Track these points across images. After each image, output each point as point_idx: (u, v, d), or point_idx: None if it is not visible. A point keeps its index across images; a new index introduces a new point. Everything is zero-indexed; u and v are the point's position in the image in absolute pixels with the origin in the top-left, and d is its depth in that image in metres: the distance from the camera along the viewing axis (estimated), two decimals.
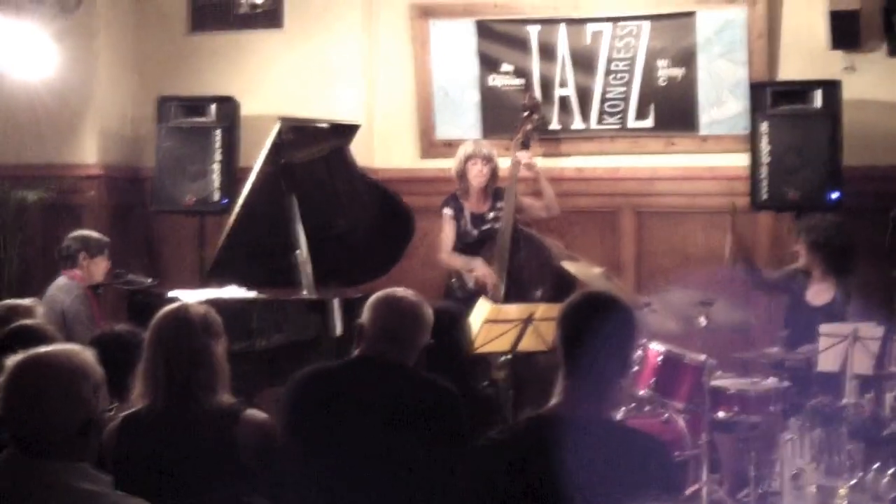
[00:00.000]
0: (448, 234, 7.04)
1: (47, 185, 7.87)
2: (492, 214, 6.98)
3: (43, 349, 2.81)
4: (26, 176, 7.96)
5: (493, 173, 6.98)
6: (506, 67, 7.85)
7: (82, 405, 2.72)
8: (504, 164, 7.06)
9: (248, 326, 6.08)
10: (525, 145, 7.12)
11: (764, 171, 6.90)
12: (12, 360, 2.75)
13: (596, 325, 2.99)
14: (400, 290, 3.91)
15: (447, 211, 7.04)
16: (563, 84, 7.75)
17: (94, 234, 6.91)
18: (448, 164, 7.18)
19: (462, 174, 7.00)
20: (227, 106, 7.75)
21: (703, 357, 5.68)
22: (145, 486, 3.27)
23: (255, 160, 6.45)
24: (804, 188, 6.80)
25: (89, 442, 2.76)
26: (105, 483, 2.75)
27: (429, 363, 3.96)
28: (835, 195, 6.72)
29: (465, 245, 7.00)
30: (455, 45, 7.92)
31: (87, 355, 2.82)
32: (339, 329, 6.01)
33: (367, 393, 3.66)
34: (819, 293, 6.13)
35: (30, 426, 2.69)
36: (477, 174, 6.95)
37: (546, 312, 5.62)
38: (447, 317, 4.44)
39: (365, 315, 3.84)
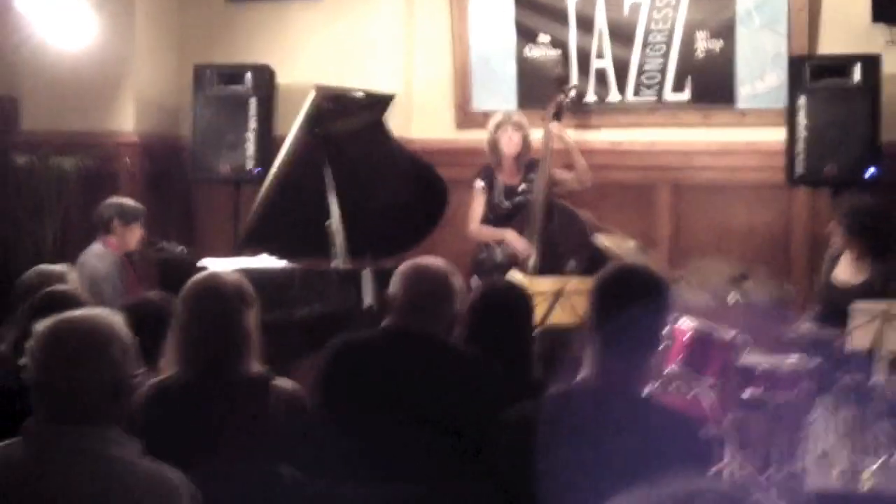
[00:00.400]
0: (477, 207, 7.02)
1: (85, 153, 7.91)
2: (523, 186, 6.96)
3: (71, 313, 2.82)
4: (64, 144, 8.00)
5: (525, 142, 6.96)
6: (543, 38, 7.80)
7: (112, 366, 2.73)
8: (537, 135, 7.04)
9: (285, 295, 6.11)
10: (558, 117, 7.11)
11: (801, 146, 6.84)
12: (42, 324, 2.77)
13: (627, 298, 2.98)
14: (429, 259, 3.89)
15: (479, 183, 7.02)
16: (599, 56, 7.70)
17: (128, 201, 6.96)
18: (484, 136, 7.16)
19: (494, 145, 6.98)
20: (263, 75, 7.76)
21: (733, 333, 5.64)
22: (175, 453, 3.30)
23: (291, 130, 6.46)
24: (842, 164, 6.74)
25: (119, 405, 2.77)
26: (135, 448, 2.77)
27: (494, 342, 3.93)
28: (872, 171, 6.66)
29: (497, 217, 6.98)
30: (493, 15, 7.88)
31: (115, 318, 2.84)
32: (370, 299, 6.02)
33: (396, 364, 3.67)
34: (852, 273, 6.07)
35: (60, 389, 2.70)
36: (508, 142, 6.93)
37: (578, 286, 5.60)
38: (517, 297, 4.36)
39: (393, 285, 3.83)
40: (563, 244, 6.80)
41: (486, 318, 4.09)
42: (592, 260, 6.47)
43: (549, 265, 6.69)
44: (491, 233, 6.97)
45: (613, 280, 3.09)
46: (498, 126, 6.96)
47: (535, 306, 4.52)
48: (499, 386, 3.66)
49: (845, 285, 6.00)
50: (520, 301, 4.32)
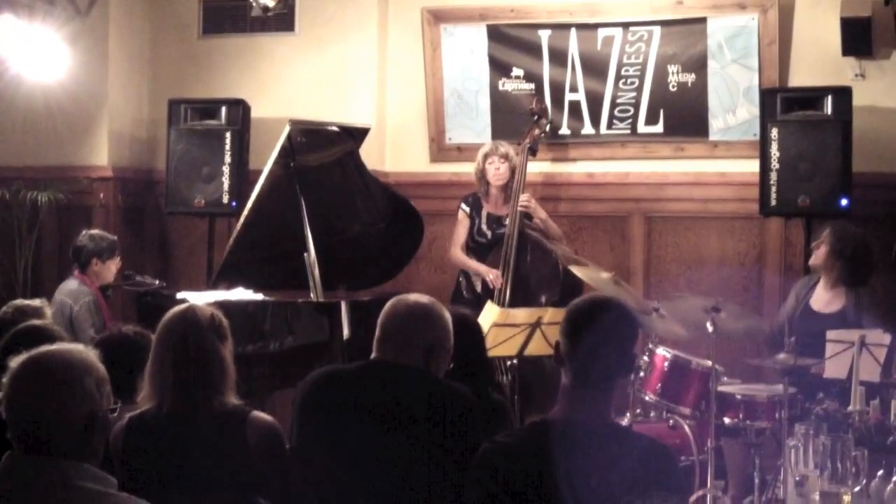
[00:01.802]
0: (461, 232, 7.09)
1: (60, 187, 7.90)
2: (509, 220, 6.97)
3: (45, 348, 2.82)
4: (39, 177, 7.99)
5: (512, 172, 7.01)
6: (517, 72, 7.85)
7: (86, 399, 2.72)
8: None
9: (260, 328, 6.11)
10: (533, 150, 7.16)
11: (773, 178, 6.88)
12: (16, 360, 2.77)
13: (598, 330, 2.99)
14: (411, 295, 3.90)
15: (464, 208, 7.08)
16: (573, 89, 7.75)
17: (106, 235, 6.95)
18: (458, 169, 7.20)
19: (481, 175, 7.05)
20: (238, 109, 7.76)
21: (710, 363, 5.67)
22: (152, 487, 3.29)
23: (266, 163, 6.47)
24: (814, 194, 6.79)
25: (94, 438, 2.76)
26: (110, 484, 2.75)
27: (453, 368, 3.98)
28: (845, 202, 6.71)
29: (477, 245, 7.05)
30: (466, 49, 7.93)
31: (89, 352, 2.84)
32: (346, 332, 6.02)
33: (375, 396, 3.66)
34: (827, 301, 6.10)
35: (34, 422, 2.69)
36: (495, 173, 6.99)
37: (554, 317, 5.62)
38: (463, 321, 4.43)
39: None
40: (537, 276, 6.84)
41: None
42: (565, 292, 6.52)
43: (522, 296, 6.72)
44: (467, 262, 7.03)
45: (583, 312, 3.10)
46: (485, 156, 7.03)
47: (485, 334, 4.68)
48: (475, 416, 3.66)
49: (821, 313, 6.03)
50: (472, 328, 4.45)
